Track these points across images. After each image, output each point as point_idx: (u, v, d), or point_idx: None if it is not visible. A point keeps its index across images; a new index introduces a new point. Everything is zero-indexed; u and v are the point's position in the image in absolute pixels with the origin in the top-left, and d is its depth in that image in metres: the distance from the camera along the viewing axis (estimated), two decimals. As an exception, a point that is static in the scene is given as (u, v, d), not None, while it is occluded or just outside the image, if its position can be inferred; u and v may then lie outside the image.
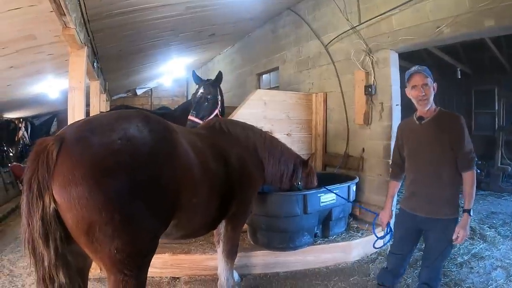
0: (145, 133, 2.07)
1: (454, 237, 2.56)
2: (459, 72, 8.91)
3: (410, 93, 2.77)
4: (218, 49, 10.32)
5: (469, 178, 2.60)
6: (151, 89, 14.54)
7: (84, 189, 1.75)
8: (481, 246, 4.69)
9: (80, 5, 3.63)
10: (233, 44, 9.70)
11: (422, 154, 2.76)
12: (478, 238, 4.97)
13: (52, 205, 1.76)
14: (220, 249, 3.37)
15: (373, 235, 3.35)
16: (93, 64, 5.15)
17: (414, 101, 2.77)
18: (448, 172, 2.64)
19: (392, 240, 3.04)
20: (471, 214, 2.59)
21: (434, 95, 2.73)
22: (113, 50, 6.11)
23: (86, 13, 3.91)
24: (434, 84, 2.72)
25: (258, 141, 3.46)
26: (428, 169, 2.72)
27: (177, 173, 2.18)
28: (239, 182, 3.01)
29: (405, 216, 2.88)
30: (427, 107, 2.72)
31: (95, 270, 3.47)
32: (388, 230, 3.09)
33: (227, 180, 2.85)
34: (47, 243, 1.77)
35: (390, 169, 3.21)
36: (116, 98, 13.12)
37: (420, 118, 2.78)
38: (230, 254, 3.32)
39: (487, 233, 5.16)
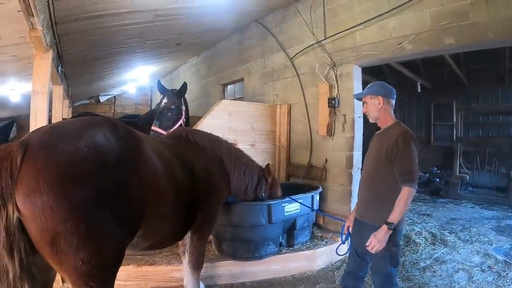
0: (112, 141, 2.04)
1: (367, 243, 2.58)
2: (419, 86, 9.33)
3: None
4: (184, 59, 10.25)
5: (403, 192, 2.57)
6: (114, 96, 14.18)
7: (49, 198, 1.70)
8: (442, 250, 4.89)
9: (48, 7, 3.53)
10: (199, 54, 9.64)
11: (367, 162, 2.92)
12: (439, 243, 5.20)
13: (16, 214, 1.69)
14: (186, 260, 3.32)
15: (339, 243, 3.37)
16: (58, 68, 5.00)
17: None
18: (381, 182, 2.73)
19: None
20: (392, 228, 2.54)
21: (383, 109, 2.79)
22: (78, 54, 5.96)
23: (54, 15, 3.81)
24: (378, 98, 2.77)
25: (224, 153, 3.48)
26: (366, 177, 2.87)
27: (143, 182, 2.15)
28: (205, 193, 3.01)
29: (355, 221, 3.00)
30: (373, 120, 2.89)
31: (57, 284, 3.36)
32: (347, 235, 3.12)
33: (193, 190, 2.85)
34: (11, 255, 1.70)
35: None
36: (78, 104, 12.69)
37: (378, 129, 2.91)
38: (196, 264, 3.29)
39: (448, 238, 5.41)
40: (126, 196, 2.01)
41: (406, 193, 2.56)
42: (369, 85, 2.91)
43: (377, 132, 2.89)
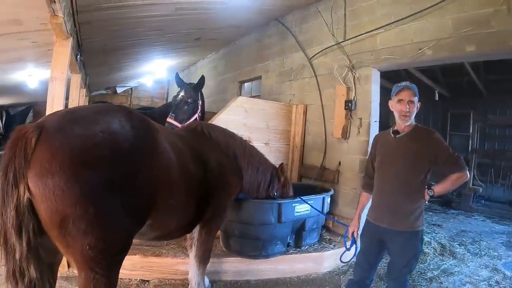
0: (127, 128, 2.05)
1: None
2: (437, 94, 9.18)
3: (395, 106, 2.77)
4: (202, 54, 10.24)
5: (453, 175, 2.64)
6: (131, 88, 14.26)
7: (61, 180, 1.71)
8: (450, 262, 4.80)
9: (70, -6, 3.57)
10: (217, 50, 9.63)
11: (390, 166, 2.79)
12: (448, 254, 5.10)
13: (27, 194, 1.71)
14: (192, 253, 3.33)
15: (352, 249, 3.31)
16: (77, 56, 5.05)
17: (396, 114, 2.78)
18: (414, 185, 2.68)
19: (358, 251, 3.05)
20: (430, 195, 2.67)
21: (416, 113, 2.76)
22: (98, 44, 6.01)
23: (76, 3, 3.83)
24: (419, 104, 2.75)
25: (238, 149, 3.48)
26: (393, 181, 2.75)
27: (155, 172, 2.16)
28: (216, 187, 3.01)
29: (369, 227, 2.90)
30: (407, 123, 2.74)
31: (63, 268, 3.42)
32: (352, 241, 3.09)
33: (205, 184, 2.85)
34: (19, 235, 1.71)
35: (363, 181, 3.21)
36: (95, 94, 12.76)
37: (396, 132, 2.81)
38: (203, 259, 3.29)
39: (457, 250, 5.32)
40: (137, 185, 2.02)
41: (457, 175, 2.63)
42: (411, 84, 2.77)
43: (398, 136, 2.79)
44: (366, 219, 2.97)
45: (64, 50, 3.67)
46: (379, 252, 2.90)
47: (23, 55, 5.46)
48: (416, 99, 2.72)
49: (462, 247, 5.52)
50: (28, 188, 1.72)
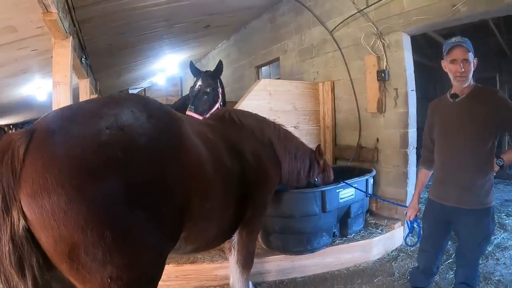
0: (142, 120, 1.61)
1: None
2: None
3: (448, 67, 2.48)
4: (213, 44, 10.03)
5: None
6: (144, 89, 14.42)
7: (60, 198, 1.30)
8: (502, 235, 4.51)
9: (62, -12, 3.28)
10: (228, 37, 9.40)
11: (453, 135, 2.49)
12: (498, 227, 4.77)
13: (22, 222, 1.31)
14: (233, 258, 2.93)
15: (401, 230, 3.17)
16: (81, 59, 4.81)
17: (451, 76, 2.49)
18: (483, 154, 2.38)
19: (421, 236, 2.80)
20: (499, 164, 2.38)
21: (473, 71, 2.44)
22: (102, 43, 5.79)
23: (71, -1, 3.56)
24: (475, 60, 2.42)
25: (273, 135, 3.06)
26: (459, 152, 2.45)
27: (185, 172, 1.72)
28: (256, 181, 2.60)
29: (432, 207, 2.62)
30: (465, 84, 2.44)
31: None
32: (413, 225, 2.88)
33: (243, 179, 2.44)
34: (22, 273, 1.31)
35: (421, 156, 2.91)
36: (108, 99, 12.89)
37: (454, 96, 2.50)
38: (246, 263, 2.91)
39: (506, 221, 5.02)
40: (164, 191, 1.58)
41: None
42: (463, 38, 2.45)
43: (458, 99, 2.47)
44: (428, 198, 2.68)
45: (64, 51, 3.40)
46: (445, 234, 2.64)
47: (26, 66, 5.29)
48: (470, 55, 2.40)
49: (511, 217, 5.21)
50: (23, 213, 1.31)
